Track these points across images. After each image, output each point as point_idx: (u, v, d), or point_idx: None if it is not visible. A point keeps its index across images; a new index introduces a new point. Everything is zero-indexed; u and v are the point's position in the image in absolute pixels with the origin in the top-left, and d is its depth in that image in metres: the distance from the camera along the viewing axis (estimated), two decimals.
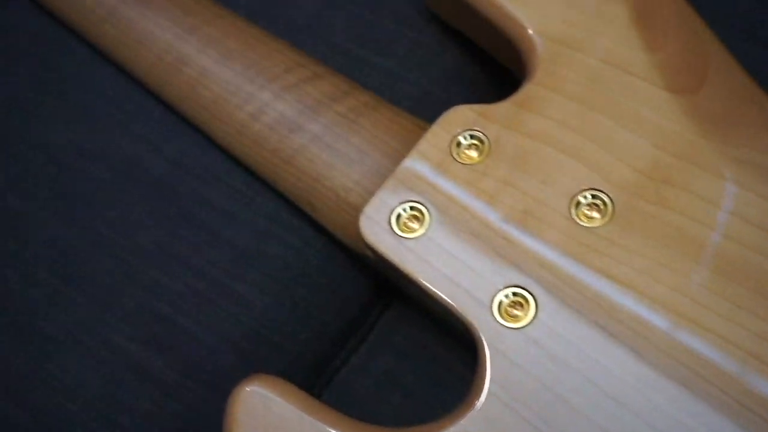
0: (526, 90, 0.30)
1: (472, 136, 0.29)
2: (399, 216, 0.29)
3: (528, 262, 0.27)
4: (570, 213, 0.27)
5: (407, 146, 0.33)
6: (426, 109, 0.37)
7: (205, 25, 0.39)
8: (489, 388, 0.25)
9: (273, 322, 0.36)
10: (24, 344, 0.37)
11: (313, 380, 0.36)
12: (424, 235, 0.28)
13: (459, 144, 0.29)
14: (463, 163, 0.29)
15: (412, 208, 0.28)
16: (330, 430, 0.27)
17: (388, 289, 0.37)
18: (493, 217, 0.28)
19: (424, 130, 0.34)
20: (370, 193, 0.33)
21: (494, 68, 0.37)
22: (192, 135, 0.39)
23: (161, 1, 0.40)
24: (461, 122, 0.30)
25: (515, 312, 0.26)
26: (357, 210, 0.33)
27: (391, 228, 0.28)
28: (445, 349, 0.35)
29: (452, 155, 0.29)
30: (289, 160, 0.35)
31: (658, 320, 0.25)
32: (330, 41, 0.39)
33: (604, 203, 0.27)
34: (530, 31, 0.30)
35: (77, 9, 0.42)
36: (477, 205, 0.28)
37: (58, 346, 0.36)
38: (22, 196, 0.40)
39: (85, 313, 0.37)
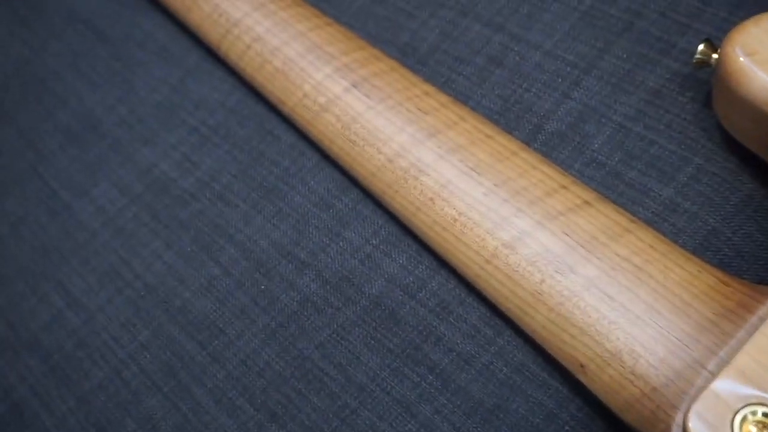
0: None
1: None
2: (744, 419, 0.23)
3: None
4: None
5: (712, 308, 0.28)
6: (714, 253, 0.31)
7: (446, 129, 0.35)
8: None
9: None
10: None
11: None
12: None
13: None
14: None
15: (765, 414, 0.22)
16: None
17: None
18: None
19: (730, 287, 0.28)
20: (667, 366, 0.27)
21: None
22: (419, 253, 0.35)
23: (396, 95, 0.36)
24: None
25: None
26: (647, 384, 0.27)
27: None
28: None
29: None
30: (554, 307, 0.30)
31: None
32: (589, 155, 0.34)
33: None
34: None
35: (291, 92, 0.39)
36: None
37: None
38: (219, 299, 0.37)
39: None
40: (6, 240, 0.43)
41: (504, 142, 0.34)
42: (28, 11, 0.54)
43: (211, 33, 0.43)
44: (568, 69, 0.36)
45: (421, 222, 0.34)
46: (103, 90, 0.48)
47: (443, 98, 0.36)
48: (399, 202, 0.35)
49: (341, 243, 0.36)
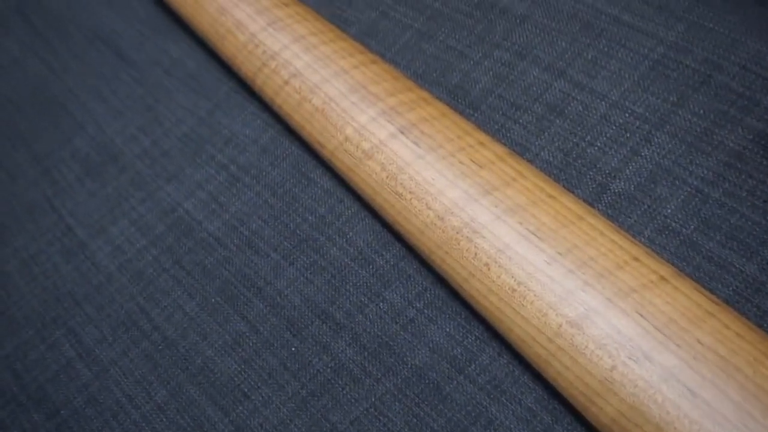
0: None
1: None
2: None
3: None
4: None
5: None
6: None
7: (503, 186, 0.32)
8: None
9: None
10: None
11: None
12: None
13: None
14: None
15: None
16: None
17: None
18: None
19: None
20: None
21: None
22: (468, 321, 0.32)
23: (447, 144, 0.33)
24: None
25: None
26: None
27: None
28: None
29: None
30: (626, 398, 0.27)
31: None
32: (660, 221, 0.31)
33: None
34: None
35: (331, 135, 0.36)
36: None
37: None
38: (244, 360, 0.34)
39: None
40: (15, 279, 0.40)
41: (568, 204, 0.31)
42: (47, 27, 0.52)
43: (246, 65, 0.41)
44: (638, 123, 0.34)
45: (473, 289, 0.31)
46: (125, 117, 0.45)
47: (500, 150, 0.34)
48: (449, 265, 0.32)
49: (381, 304, 0.34)
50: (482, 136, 0.34)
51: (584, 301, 0.28)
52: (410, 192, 0.33)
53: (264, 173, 0.39)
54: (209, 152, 0.41)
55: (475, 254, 0.31)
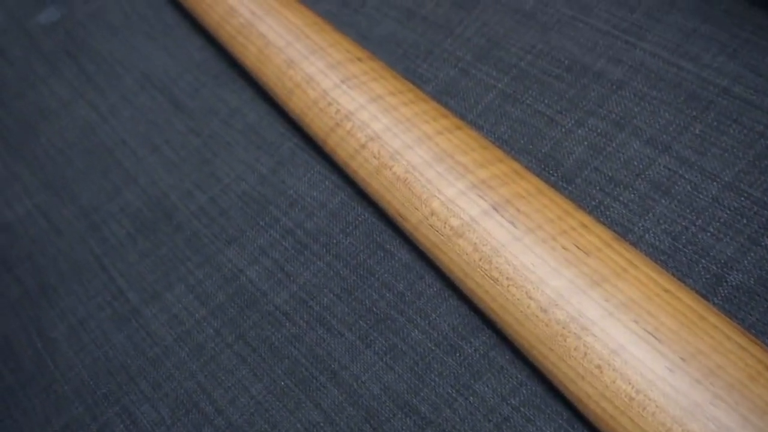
0: None
1: None
2: None
3: None
4: None
5: None
6: None
7: (613, 277, 0.29)
8: None
9: None
10: None
11: None
12: None
13: None
14: None
15: None
16: None
17: None
18: None
19: None
20: None
21: None
22: (570, 423, 0.30)
23: (547, 226, 0.31)
24: None
25: None
26: None
27: None
28: None
29: None
30: None
31: None
32: None
33: None
34: None
35: (415, 208, 0.34)
36: None
37: None
38: None
39: None
40: (63, 347, 0.38)
41: (687, 300, 0.28)
42: (97, 70, 0.50)
43: (317, 123, 0.38)
44: (756, 209, 0.31)
45: (581, 392, 0.28)
46: (180, 170, 0.43)
47: (605, 234, 0.31)
48: (552, 362, 0.29)
49: (471, 398, 0.31)
50: (585, 218, 0.32)
51: (715, 417, 0.26)
52: (507, 278, 0.31)
53: (335, 241, 0.37)
54: (272, 214, 0.39)
55: (585, 354, 0.28)
